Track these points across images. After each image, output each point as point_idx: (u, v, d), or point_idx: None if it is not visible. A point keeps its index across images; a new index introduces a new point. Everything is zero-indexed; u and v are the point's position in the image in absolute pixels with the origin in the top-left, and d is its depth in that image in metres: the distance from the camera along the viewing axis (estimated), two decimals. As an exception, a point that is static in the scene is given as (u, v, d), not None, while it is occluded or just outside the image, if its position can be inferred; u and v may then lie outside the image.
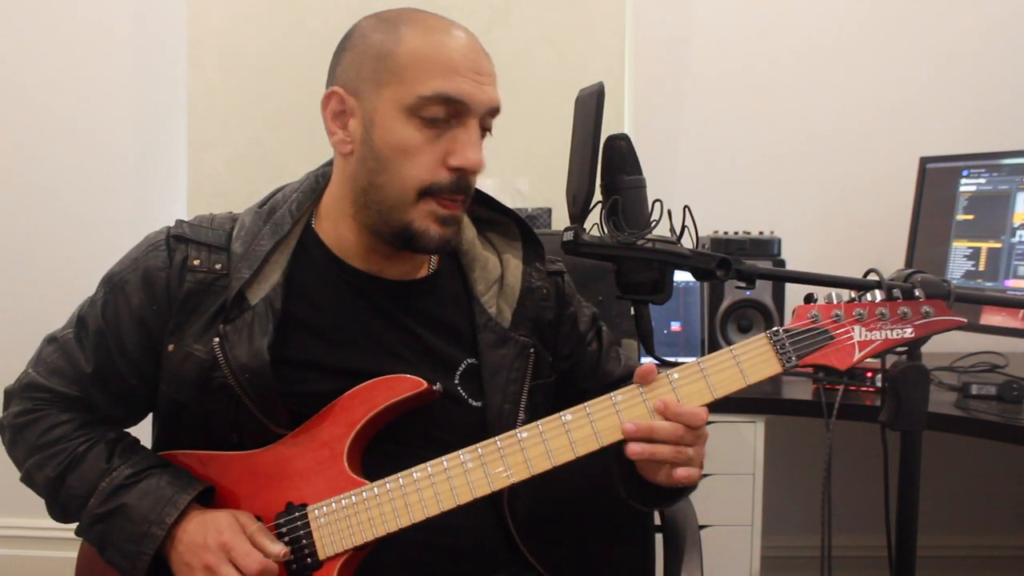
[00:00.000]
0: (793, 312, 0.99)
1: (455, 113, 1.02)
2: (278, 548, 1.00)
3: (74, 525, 1.08)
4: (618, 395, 0.99)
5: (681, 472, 0.98)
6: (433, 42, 1.03)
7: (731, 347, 0.98)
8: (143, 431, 1.15)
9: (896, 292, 0.97)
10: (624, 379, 1.18)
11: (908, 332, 0.96)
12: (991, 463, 2.36)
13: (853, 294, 0.98)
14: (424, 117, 1.01)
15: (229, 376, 1.03)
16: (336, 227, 1.11)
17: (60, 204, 2.50)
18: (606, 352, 1.25)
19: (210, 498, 1.07)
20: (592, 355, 1.24)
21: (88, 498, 1.04)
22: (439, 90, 1.00)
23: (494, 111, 1.06)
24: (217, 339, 1.04)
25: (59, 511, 1.09)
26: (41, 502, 1.10)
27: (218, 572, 0.98)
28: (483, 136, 1.07)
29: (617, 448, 1.00)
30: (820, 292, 1.00)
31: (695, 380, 0.98)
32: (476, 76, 1.02)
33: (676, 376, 0.99)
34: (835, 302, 0.98)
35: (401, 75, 1.01)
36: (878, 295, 0.97)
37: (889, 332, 0.96)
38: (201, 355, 1.05)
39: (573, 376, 1.22)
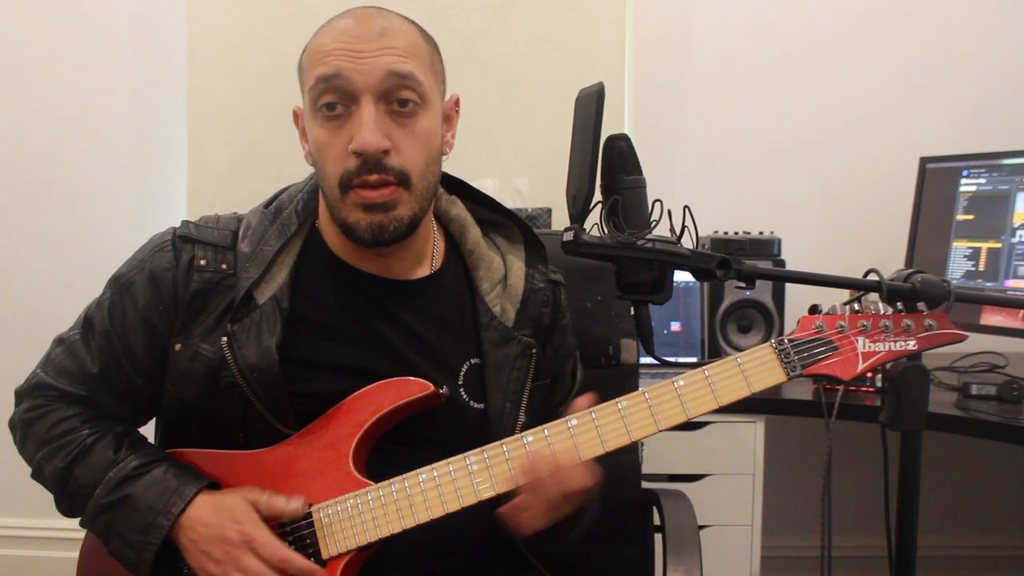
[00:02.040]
0: (798, 322, 1.00)
1: (343, 97, 1.01)
2: (295, 504, 1.01)
3: (76, 523, 1.08)
4: (624, 400, 0.99)
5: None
6: (317, 36, 1.05)
7: (736, 355, 0.99)
8: (147, 434, 1.15)
9: (899, 303, 0.98)
10: None
11: (911, 344, 0.97)
12: (991, 463, 2.36)
13: (857, 306, 0.99)
14: (323, 112, 1.02)
15: (237, 375, 1.03)
16: (332, 228, 1.11)
17: (60, 204, 2.50)
18: (571, 396, 1.24)
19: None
20: (563, 388, 1.25)
21: (95, 488, 1.04)
22: (316, 75, 1.02)
23: (391, 79, 1.01)
24: (225, 338, 1.04)
25: (67, 503, 1.09)
26: (42, 501, 1.10)
27: (241, 563, 0.98)
28: (405, 106, 1.02)
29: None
30: (824, 302, 1.01)
31: (700, 387, 0.98)
32: (353, 53, 1.01)
33: (682, 383, 0.99)
34: (839, 313, 0.98)
35: (303, 79, 1.06)
36: (882, 307, 0.98)
37: (892, 344, 0.97)
38: (209, 354, 1.05)
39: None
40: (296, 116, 1.12)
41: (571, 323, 1.27)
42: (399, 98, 1.02)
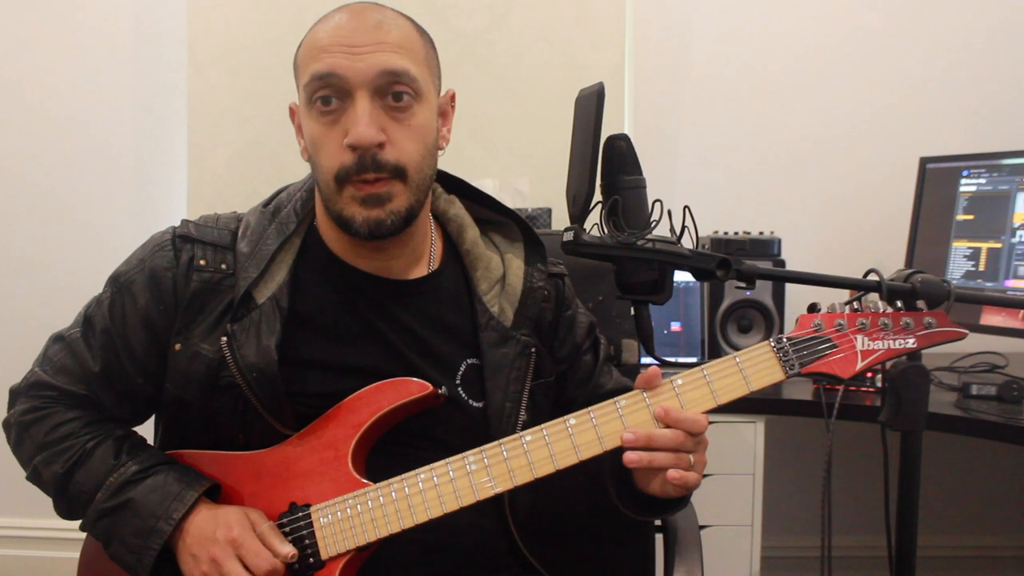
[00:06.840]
0: (796, 321, 1.00)
1: (339, 92, 1.02)
2: (287, 549, 1.00)
3: (76, 524, 1.08)
4: (622, 400, 0.99)
5: (674, 473, 0.97)
6: (312, 32, 1.06)
7: (735, 354, 0.99)
8: (146, 434, 1.15)
9: (899, 303, 0.98)
10: (615, 394, 1.10)
11: (910, 342, 0.97)
12: (991, 463, 2.36)
13: (857, 304, 0.99)
14: (318, 107, 1.02)
15: (237, 375, 1.03)
16: (329, 226, 1.11)
17: (61, 204, 2.50)
18: (600, 367, 1.24)
19: (215, 496, 1.07)
20: (587, 365, 1.23)
21: (95, 493, 1.04)
22: (311, 73, 1.02)
23: (385, 75, 1.01)
24: (225, 338, 1.04)
25: (66, 507, 1.08)
26: (42, 502, 1.10)
27: (224, 566, 0.98)
28: (400, 100, 1.02)
29: (615, 452, 0.99)
30: (824, 302, 1.01)
31: (699, 386, 0.98)
32: (347, 49, 1.01)
33: (680, 382, 0.99)
34: (838, 312, 0.99)
35: (298, 74, 1.06)
36: (881, 305, 0.98)
37: (891, 342, 0.97)
38: (209, 354, 1.05)
39: (564, 383, 1.21)
40: (292, 112, 1.12)
41: (577, 311, 1.24)
42: (393, 92, 1.02)
